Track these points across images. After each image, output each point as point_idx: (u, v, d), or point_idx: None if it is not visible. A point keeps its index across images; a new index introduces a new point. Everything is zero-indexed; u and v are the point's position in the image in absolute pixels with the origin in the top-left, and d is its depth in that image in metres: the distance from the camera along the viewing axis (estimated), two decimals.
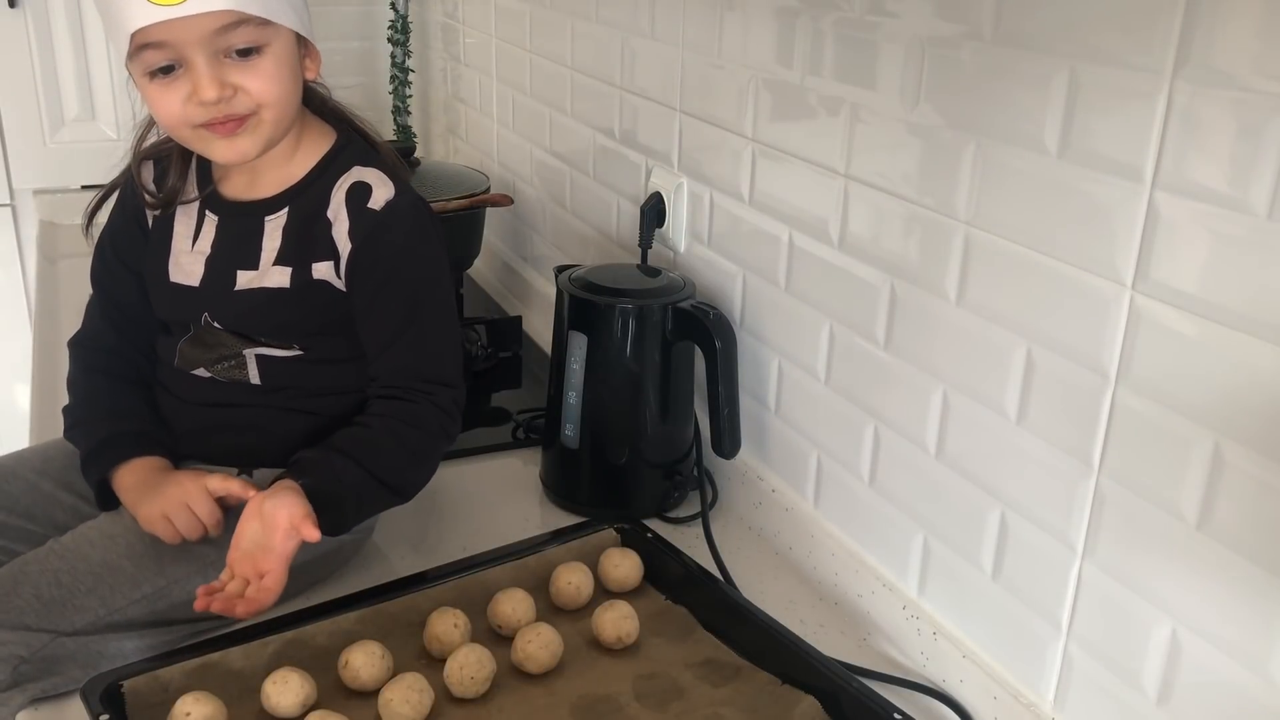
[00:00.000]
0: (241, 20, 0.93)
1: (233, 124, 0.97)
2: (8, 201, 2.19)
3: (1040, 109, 0.80)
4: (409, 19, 2.12)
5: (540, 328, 1.66)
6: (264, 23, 0.95)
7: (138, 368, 1.11)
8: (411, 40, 2.13)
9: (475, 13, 1.98)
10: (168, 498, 0.98)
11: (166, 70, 0.95)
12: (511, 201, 1.73)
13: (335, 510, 0.96)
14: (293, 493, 0.93)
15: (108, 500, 1.03)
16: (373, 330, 1.04)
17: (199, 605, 0.90)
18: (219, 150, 1.00)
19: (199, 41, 0.92)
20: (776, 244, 1.14)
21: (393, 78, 2.12)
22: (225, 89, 0.95)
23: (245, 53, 0.95)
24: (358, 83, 2.32)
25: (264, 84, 0.96)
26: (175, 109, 0.96)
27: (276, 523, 0.91)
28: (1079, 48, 0.77)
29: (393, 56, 2.11)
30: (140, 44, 0.93)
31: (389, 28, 2.12)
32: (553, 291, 1.25)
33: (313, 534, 0.90)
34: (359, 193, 1.03)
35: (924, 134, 0.92)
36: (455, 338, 1.08)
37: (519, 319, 1.68)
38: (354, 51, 2.34)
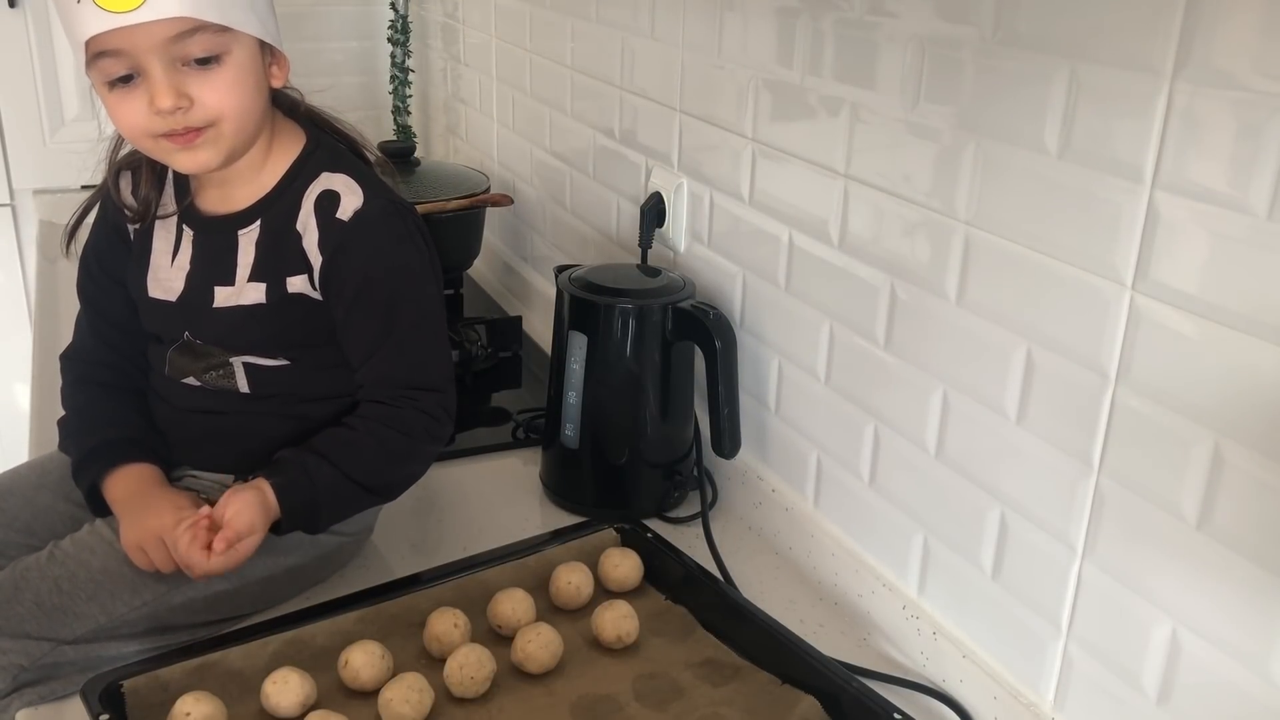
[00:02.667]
0: (198, 27, 0.91)
1: (191, 135, 0.95)
2: (8, 201, 2.19)
3: (1040, 109, 0.80)
4: (409, 19, 2.12)
5: (540, 328, 1.66)
6: (222, 29, 0.92)
7: (129, 378, 1.10)
8: (411, 40, 2.13)
9: (475, 13, 1.98)
10: (145, 528, 0.96)
11: (126, 79, 0.93)
12: (511, 201, 1.73)
13: (306, 509, 0.97)
14: (257, 494, 0.94)
15: (100, 507, 1.02)
16: (352, 342, 1.03)
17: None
18: (180, 161, 0.98)
19: (155, 48, 0.90)
20: (776, 244, 1.14)
21: (393, 78, 2.12)
22: (182, 99, 0.92)
23: (204, 61, 0.93)
24: (358, 83, 2.32)
25: (221, 95, 0.94)
26: (136, 119, 0.94)
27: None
28: (1079, 48, 0.77)
29: (393, 56, 2.11)
30: (96, 51, 0.91)
31: (389, 28, 2.12)
32: (553, 291, 1.25)
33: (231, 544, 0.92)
34: (327, 202, 1.01)
35: (924, 134, 0.92)
36: (439, 342, 1.06)
37: (519, 319, 1.68)
38: (354, 51, 2.34)
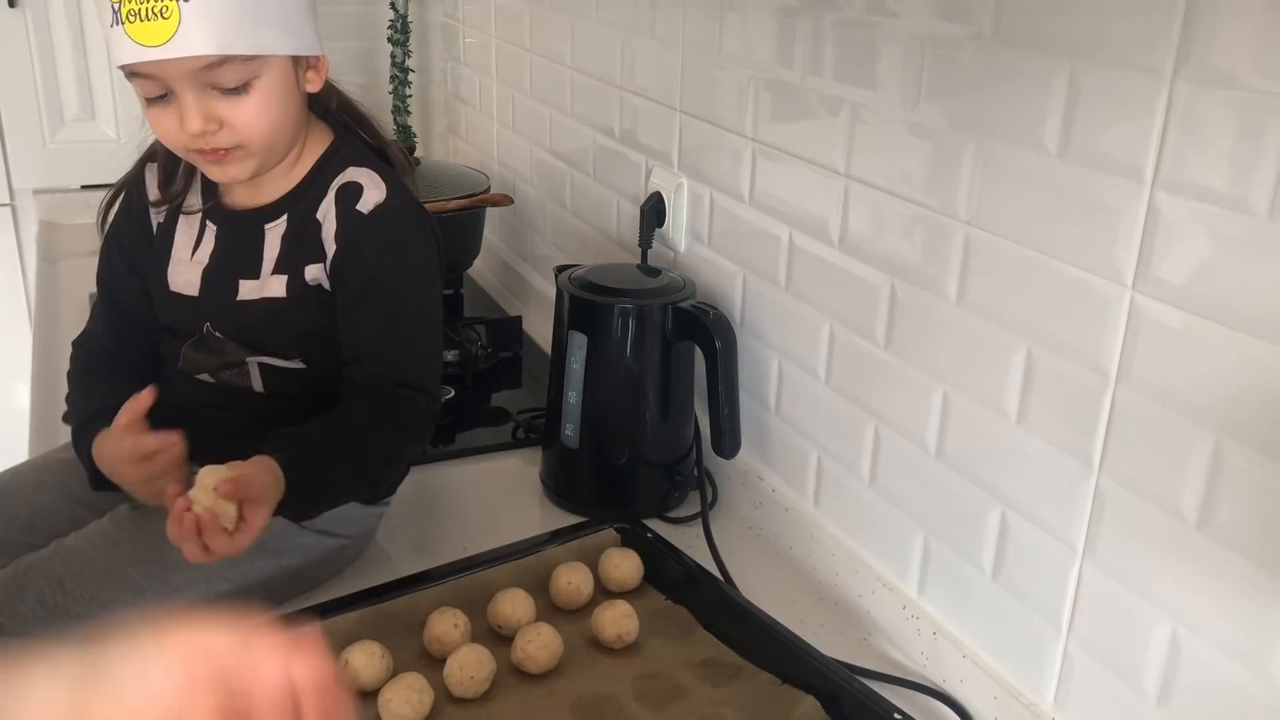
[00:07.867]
0: (227, 59, 0.92)
1: (221, 153, 0.97)
2: (8, 201, 2.19)
3: (1040, 109, 0.80)
4: (409, 19, 2.12)
5: (540, 328, 1.66)
6: (252, 57, 0.94)
7: (139, 368, 1.11)
8: (411, 40, 2.13)
9: (475, 13, 1.98)
10: (124, 479, 0.96)
11: (161, 97, 0.95)
12: (511, 201, 1.73)
13: (310, 490, 0.94)
14: (275, 475, 0.91)
15: (99, 479, 1.01)
16: (351, 333, 1.03)
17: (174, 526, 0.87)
18: (212, 173, 1.01)
19: (185, 76, 0.92)
20: (776, 244, 1.14)
21: (393, 78, 2.12)
22: (211, 122, 0.94)
23: (234, 89, 0.95)
24: (358, 83, 2.31)
25: (249, 119, 0.96)
26: (170, 135, 0.97)
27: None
28: (1079, 48, 0.77)
29: (393, 56, 2.11)
30: (130, 72, 0.94)
31: (389, 28, 2.12)
32: (553, 291, 1.25)
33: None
34: (349, 193, 1.03)
35: (924, 134, 0.92)
36: (435, 346, 1.07)
37: (519, 319, 1.68)
38: (354, 51, 2.34)
